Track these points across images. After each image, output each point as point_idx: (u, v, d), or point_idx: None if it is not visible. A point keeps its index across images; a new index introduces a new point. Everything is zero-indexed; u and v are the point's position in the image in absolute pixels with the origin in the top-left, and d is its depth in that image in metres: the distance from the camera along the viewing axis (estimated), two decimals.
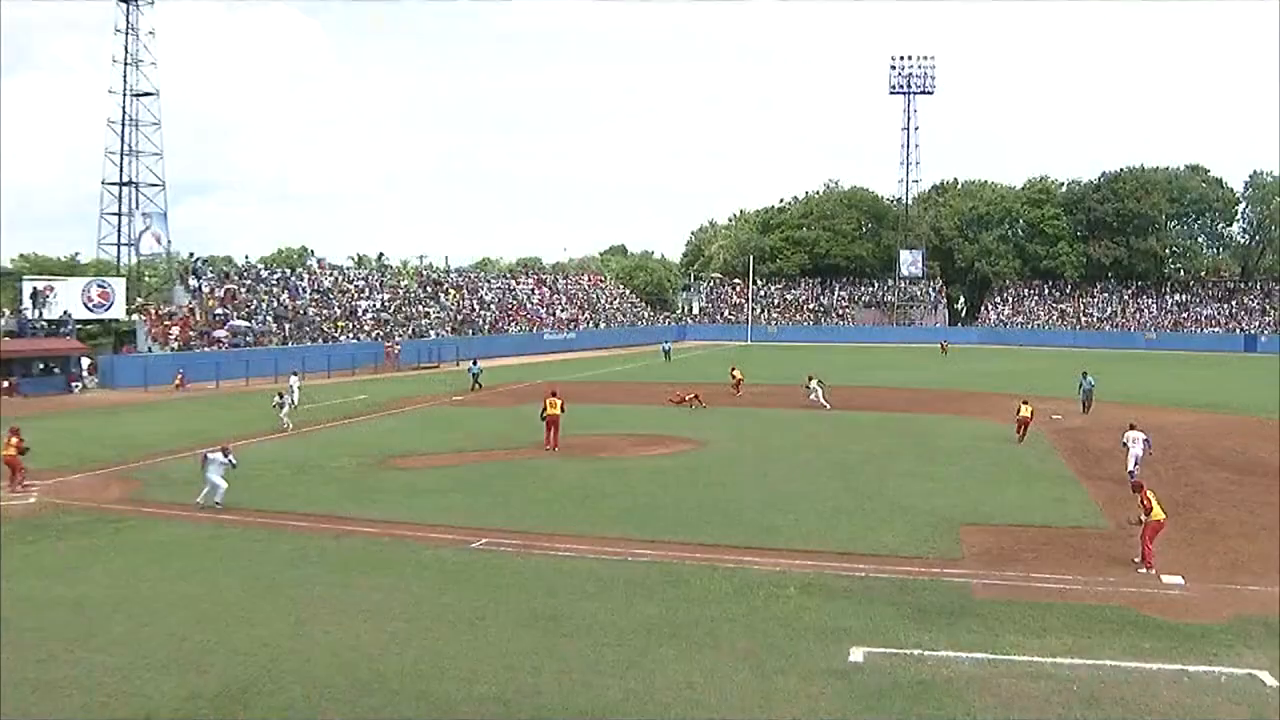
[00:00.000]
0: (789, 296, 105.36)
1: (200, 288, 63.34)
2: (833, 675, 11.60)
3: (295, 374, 42.81)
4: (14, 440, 23.72)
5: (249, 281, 67.78)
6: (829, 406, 38.75)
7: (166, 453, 28.67)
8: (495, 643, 12.81)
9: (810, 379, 40.98)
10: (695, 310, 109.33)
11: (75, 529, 19.45)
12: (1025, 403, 30.87)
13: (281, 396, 31.02)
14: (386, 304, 74.51)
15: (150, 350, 55.46)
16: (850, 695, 11.07)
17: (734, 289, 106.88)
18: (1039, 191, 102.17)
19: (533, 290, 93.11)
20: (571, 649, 12.53)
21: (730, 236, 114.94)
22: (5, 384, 47.43)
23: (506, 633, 13.21)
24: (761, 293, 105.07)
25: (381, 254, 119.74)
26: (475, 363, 51.45)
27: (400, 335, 69.30)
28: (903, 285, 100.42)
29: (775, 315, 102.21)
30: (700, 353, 78.46)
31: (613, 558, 16.91)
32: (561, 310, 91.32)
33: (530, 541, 18.13)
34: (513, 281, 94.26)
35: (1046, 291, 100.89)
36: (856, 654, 12.23)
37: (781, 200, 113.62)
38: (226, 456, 21.31)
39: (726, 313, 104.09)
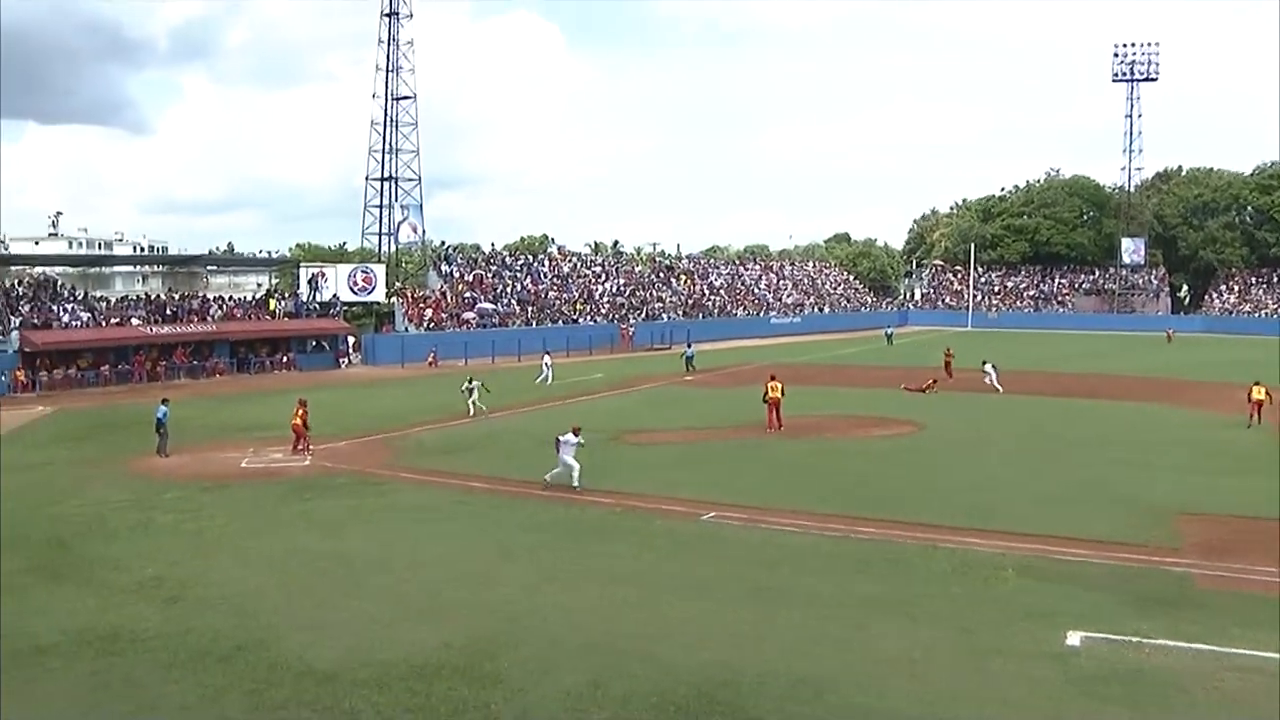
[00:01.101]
0: (1009, 283, 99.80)
1: (451, 273, 66.47)
2: (1049, 658, 11.09)
3: (548, 353, 45.06)
4: (301, 411, 26.00)
5: (495, 267, 70.59)
6: (1000, 390, 37.51)
7: (421, 424, 30.44)
8: (719, 611, 12.71)
9: (984, 363, 39.70)
10: (917, 296, 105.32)
11: (343, 490, 20.91)
12: (1258, 384, 29.25)
13: (471, 381, 31.25)
14: (621, 288, 75.84)
15: (406, 330, 58.60)
16: (1066, 679, 10.55)
17: (955, 276, 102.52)
18: (1269, 177, 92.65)
19: (760, 276, 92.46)
20: (793, 620, 12.33)
21: (952, 224, 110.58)
22: (284, 360, 51.99)
23: (731, 602, 13.09)
24: (982, 279, 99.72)
25: (616, 241, 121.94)
26: (689, 346, 51.73)
27: (634, 318, 70.43)
28: (1124, 273, 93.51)
29: (996, 301, 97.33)
30: (922, 337, 75.07)
31: (834, 534, 16.60)
32: (787, 295, 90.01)
33: (755, 516, 17.97)
34: (741, 268, 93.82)
35: (1277, 280, 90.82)
36: (1073, 638, 11.62)
37: (1002, 189, 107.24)
38: (577, 436, 20.43)
39: (948, 299, 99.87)
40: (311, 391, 34.29)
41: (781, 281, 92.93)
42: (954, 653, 11.23)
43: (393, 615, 12.73)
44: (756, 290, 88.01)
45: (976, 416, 31.63)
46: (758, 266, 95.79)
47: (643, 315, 71.75)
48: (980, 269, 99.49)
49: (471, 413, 31.28)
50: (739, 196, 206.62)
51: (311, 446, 25.60)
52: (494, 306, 63.85)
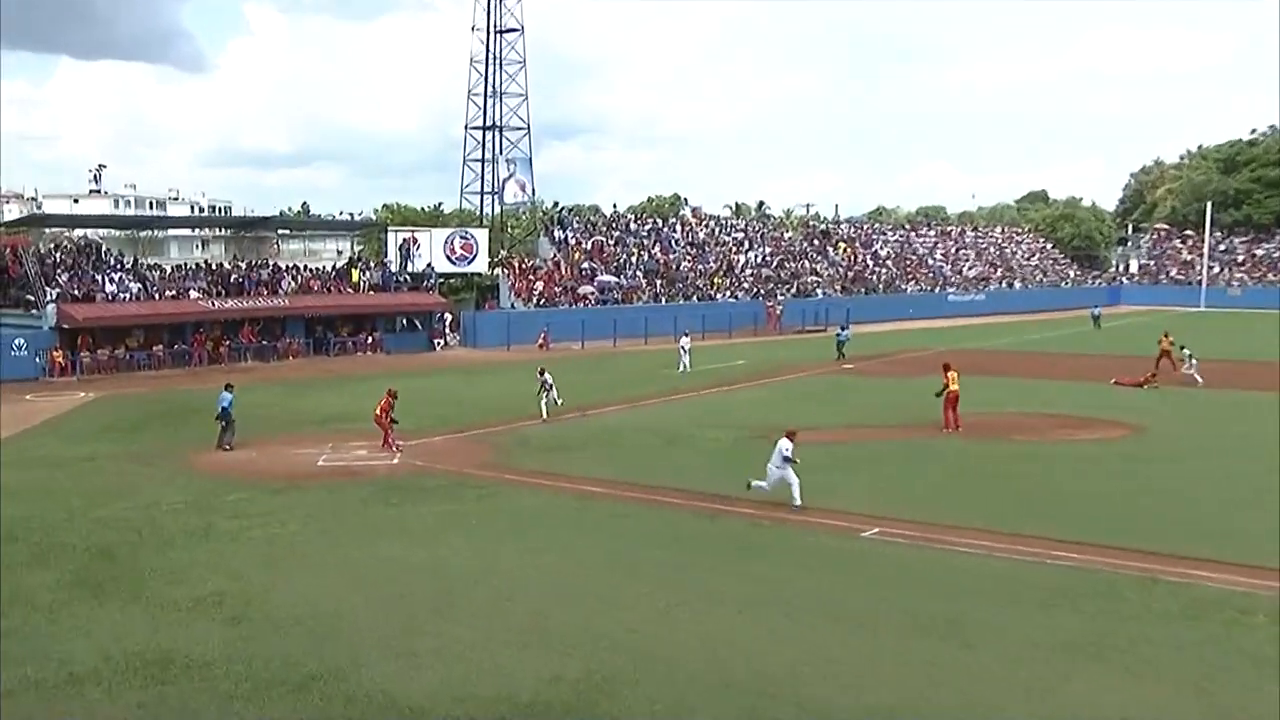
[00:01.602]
0: (1258, 252, 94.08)
1: (566, 239, 67.48)
2: None
3: (686, 334, 45.41)
4: (388, 401, 26.58)
5: (617, 233, 71.59)
6: (1200, 381, 37.21)
7: (530, 417, 30.94)
8: (886, 647, 12.62)
9: (1181, 349, 39.93)
10: (1133, 268, 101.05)
11: (437, 493, 21.41)
12: None
13: (544, 373, 30.97)
14: (768, 258, 75.85)
15: (513, 306, 59.99)
16: None
17: (1185, 243, 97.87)
18: None
19: (934, 244, 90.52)
20: (975, 662, 12.14)
21: (1182, 178, 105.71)
22: (370, 340, 53.63)
23: (898, 637, 12.98)
24: (1221, 247, 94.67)
25: (762, 203, 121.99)
26: (843, 329, 50.98)
27: (783, 294, 70.43)
28: None
29: (1239, 275, 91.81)
30: (1138, 320, 71.93)
31: (1027, 558, 16.14)
32: (968, 267, 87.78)
33: (929, 534, 17.60)
34: (911, 234, 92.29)
35: None
36: None
37: (1254, 132, 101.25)
38: (791, 443, 19.68)
39: (1174, 271, 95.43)
40: (402, 378, 35.27)
41: (962, 251, 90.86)
42: (1185, 715, 10.77)
43: (494, 641, 12.85)
44: (931, 261, 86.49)
45: (1210, 416, 30.61)
46: (933, 233, 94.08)
47: (792, 291, 71.62)
48: (1219, 233, 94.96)
49: (545, 415, 30.29)
50: (912, 148, 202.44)
51: (399, 443, 26.27)
52: (616, 279, 64.61)
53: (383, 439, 26.24)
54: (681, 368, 43.18)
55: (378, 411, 26.48)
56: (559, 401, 30.92)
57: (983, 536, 17.34)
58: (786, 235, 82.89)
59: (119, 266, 49.90)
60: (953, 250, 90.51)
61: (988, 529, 17.78)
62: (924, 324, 68.89)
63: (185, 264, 55.44)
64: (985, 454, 24.83)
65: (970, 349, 49.45)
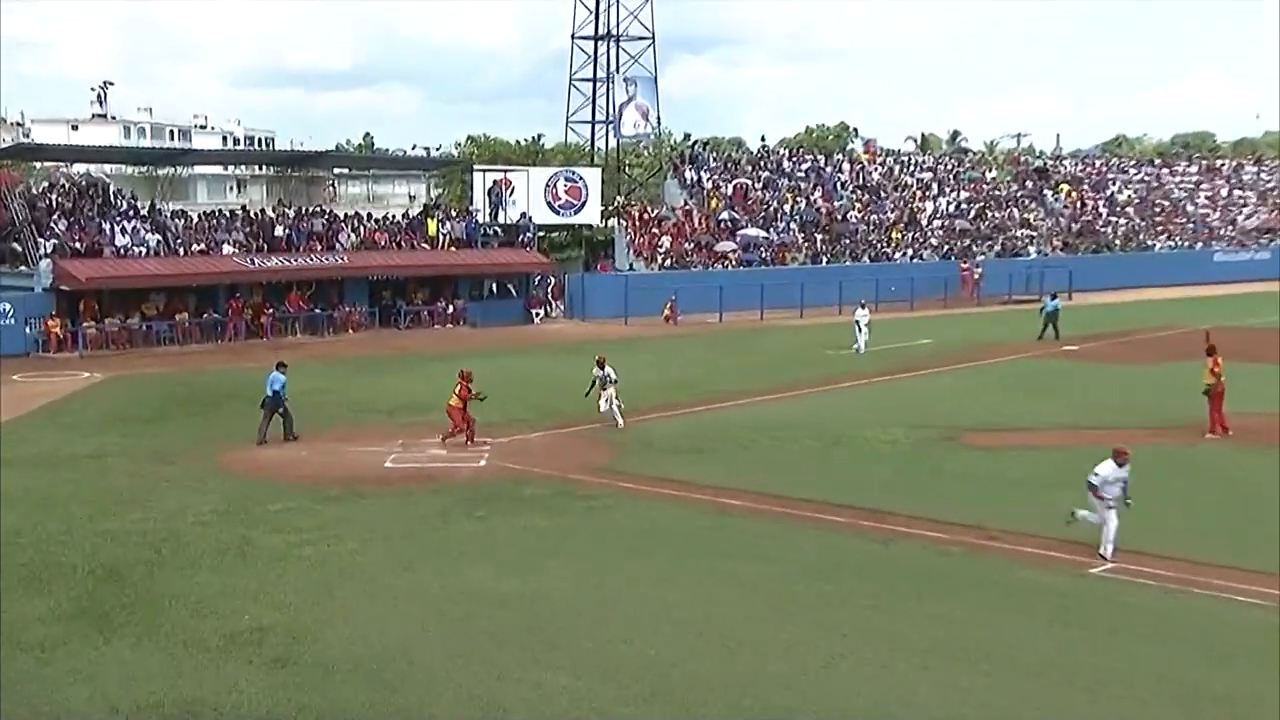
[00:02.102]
0: None
1: (700, 181, 67.72)
2: None
3: (863, 305, 44.81)
4: (462, 388, 27.04)
5: (766, 173, 71.67)
6: None
7: (652, 409, 31.20)
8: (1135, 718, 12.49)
9: None
10: None
11: (533, 504, 21.67)
12: None
13: (603, 365, 29.89)
14: (963, 206, 75.11)
15: (631, 268, 60.52)
16: None
17: None
18: None
19: (1196, 184, 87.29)
20: None
21: None
22: (450, 309, 54.50)
23: (1149, 706, 12.80)
24: None
25: (956, 133, 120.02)
26: (1052, 297, 49.75)
27: (983, 252, 69.68)
28: None
29: None
30: None
31: None
32: (1246, 216, 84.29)
33: (1185, 574, 17.12)
34: (1163, 171, 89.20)
35: None
36: None
37: None
38: (1121, 467, 18.24)
39: None
40: (491, 358, 35.97)
41: (1237, 193, 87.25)
42: None
43: (604, 695, 12.89)
44: (1190, 208, 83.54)
45: None
46: (1194, 169, 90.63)
47: (996, 249, 70.88)
48: None
49: (603, 408, 29.39)
50: (1159, 57, 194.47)
51: (476, 438, 26.76)
52: (765, 234, 64.69)
53: (466, 434, 26.76)
54: (857, 347, 43.09)
55: (453, 401, 26.96)
56: (618, 405, 29.28)
57: (1264, 581, 16.78)
58: (989, 175, 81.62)
59: (132, 213, 50.73)
60: (1223, 192, 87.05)
61: (1267, 571, 17.18)
62: (1180, 292, 66.49)
63: (216, 211, 56.50)
64: (1263, 468, 24.01)
65: (1241, 328, 47.66)
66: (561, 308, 58.37)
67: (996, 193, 78.32)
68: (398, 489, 22.95)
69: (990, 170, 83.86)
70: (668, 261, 60.49)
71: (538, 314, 56.67)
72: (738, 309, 55.45)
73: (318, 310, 51.37)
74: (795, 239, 65.28)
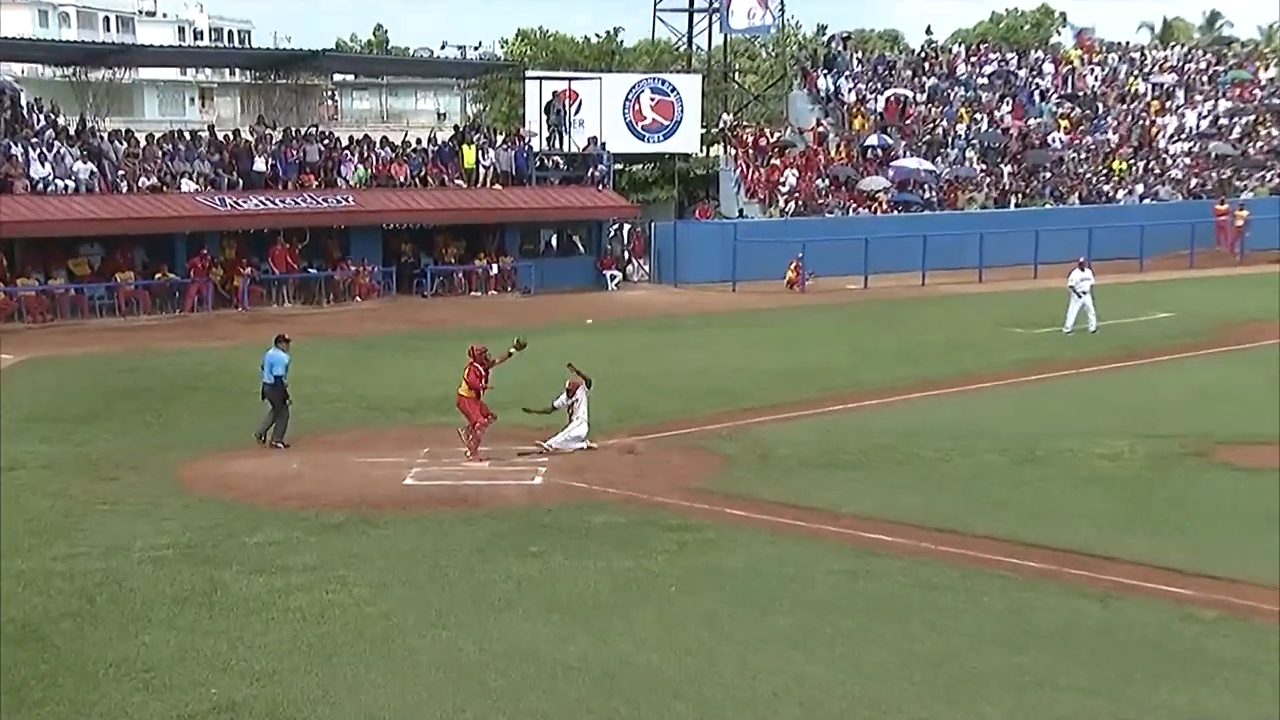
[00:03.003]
0: None
1: (837, 93, 68.34)
2: None
3: (1082, 265, 43.73)
4: (475, 371, 26.99)
5: (932, 80, 72.00)
6: None
7: (769, 409, 31.36)
8: None
9: None
10: None
11: (606, 537, 21.55)
12: None
13: (576, 389, 28.69)
14: (1224, 122, 74.23)
15: (743, 214, 61.20)
16: None
17: None
18: None
19: None
20: None
21: None
22: (494, 270, 55.14)
23: None
24: None
25: (1215, 16, 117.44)
26: None
27: (1251, 188, 69.08)
28: None
29: None
30: None
31: None
32: None
33: None
34: None
35: None
36: None
37: None
38: None
39: None
40: (547, 335, 35.90)
41: None
42: None
43: None
44: None
45: None
46: None
47: (1268, 183, 70.04)
48: None
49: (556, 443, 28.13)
50: None
51: (525, 448, 27.10)
52: (931, 166, 64.80)
53: (471, 439, 26.84)
54: (1072, 322, 42.54)
55: (463, 390, 27.05)
56: (583, 430, 27.97)
57: None
58: (1265, 74, 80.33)
59: (53, 133, 50.90)
60: None
61: None
62: None
63: (173, 132, 56.32)
64: None
65: None
66: (645, 268, 58.86)
67: (1274, 102, 77.25)
68: (422, 515, 22.91)
69: (1265, 69, 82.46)
70: (793, 205, 60.42)
71: (613, 277, 57.01)
72: (890, 270, 55.51)
73: (312, 270, 51.83)
74: (973, 172, 65.05)
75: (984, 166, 65.47)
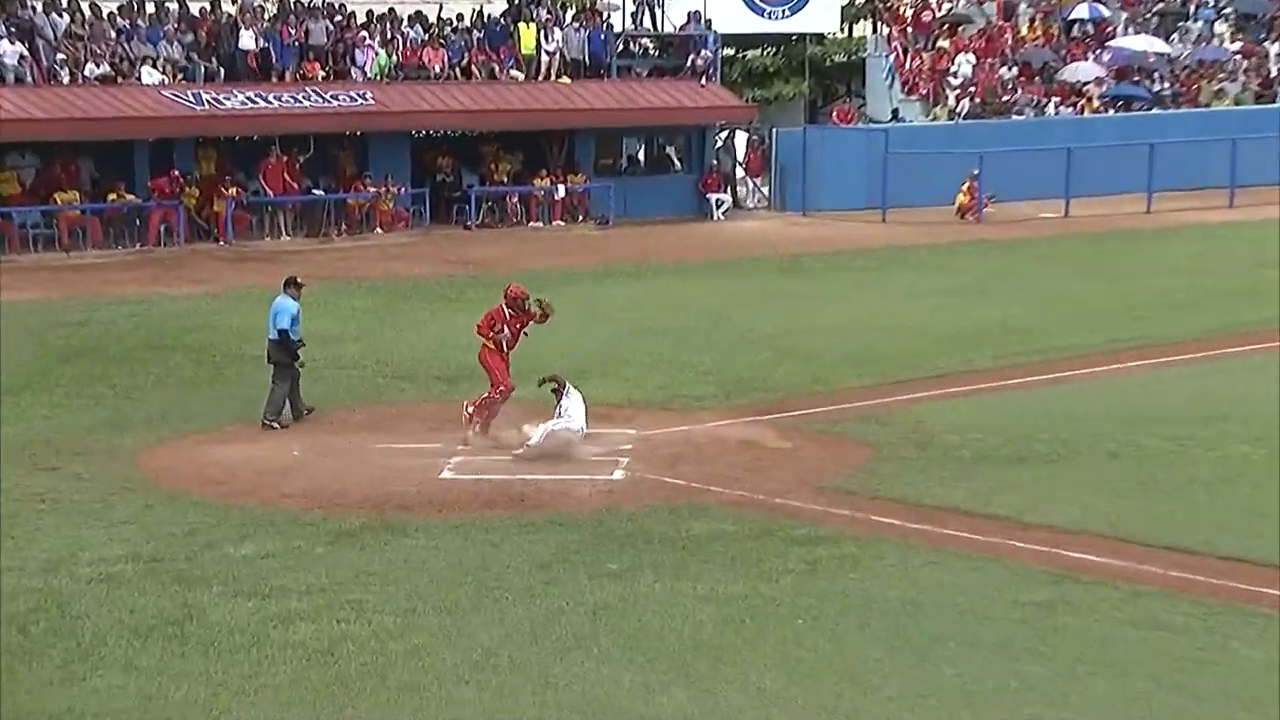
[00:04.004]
0: None
1: None
2: None
3: None
4: (501, 319, 27.29)
5: None
6: None
7: (928, 380, 31.62)
8: None
9: None
10: None
11: (711, 550, 21.56)
12: None
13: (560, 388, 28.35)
14: None
15: (898, 116, 61.57)
16: None
17: None
18: None
19: None
20: None
21: None
22: (560, 192, 55.42)
23: None
24: None
25: None
26: None
27: None
28: None
29: None
30: None
31: None
32: None
33: None
34: None
35: None
36: None
37: None
38: None
39: None
40: (632, 281, 36.39)
41: None
42: None
43: None
44: None
45: None
46: None
47: None
48: None
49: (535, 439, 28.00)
50: None
51: (600, 429, 27.07)
52: (1161, 46, 64.68)
53: (474, 411, 27.15)
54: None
55: (489, 344, 27.38)
56: (573, 426, 27.46)
57: None
58: None
59: None
60: None
61: None
62: None
63: (131, 2, 55.14)
64: None
65: None
66: (764, 191, 58.99)
67: None
68: (464, 519, 22.99)
69: None
70: (967, 104, 60.31)
71: (720, 203, 57.11)
72: (1102, 192, 55.56)
73: (318, 192, 52.34)
74: (1224, 54, 64.72)
75: (1240, 45, 64.60)
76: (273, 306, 28.14)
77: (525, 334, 27.68)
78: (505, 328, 27.28)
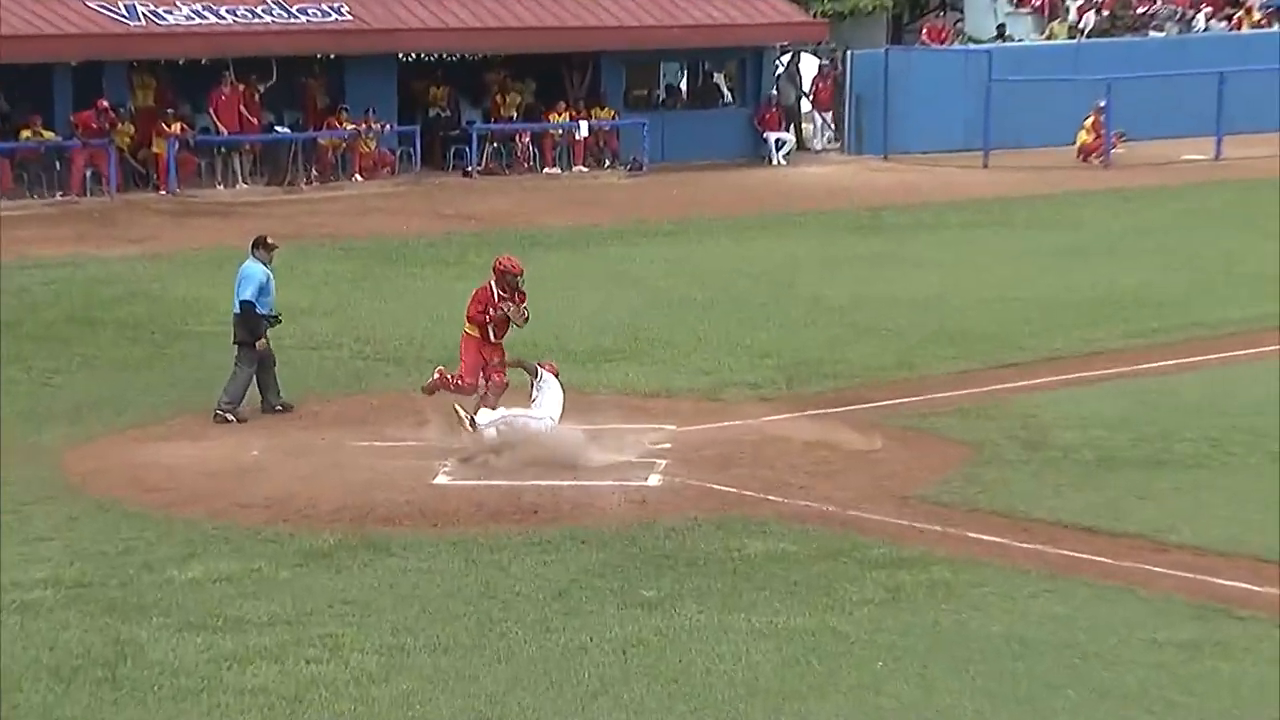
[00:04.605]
0: None
1: None
2: None
3: None
4: (483, 296, 27.71)
5: None
6: None
7: (1049, 365, 31.57)
8: None
9: None
10: None
11: (770, 574, 21.51)
12: None
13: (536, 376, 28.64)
14: None
15: (1003, 34, 61.95)
16: None
17: None
18: None
19: None
20: None
21: None
22: (583, 129, 55.80)
23: None
24: None
25: None
26: None
27: None
28: None
29: None
30: None
31: None
32: None
33: None
34: None
35: None
36: None
37: None
38: None
39: None
40: (670, 240, 36.22)
41: None
42: None
43: None
44: None
45: None
46: None
47: None
48: None
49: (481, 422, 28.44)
50: None
51: (643, 427, 27.29)
52: None
53: (450, 384, 27.52)
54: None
55: (468, 328, 27.86)
56: (537, 414, 27.94)
57: None
58: None
59: None
60: None
61: None
62: None
63: None
64: None
65: None
66: (831, 128, 59.67)
67: None
68: (464, 535, 23.02)
69: None
70: (1091, 19, 60.36)
71: (781, 144, 57.51)
72: (1259, 128, 55.78)
73: (283, 129, 52.67)
74: None
75: None
76: (242, 272, 28.25)
77: (523, 311, 27.76)
78: (493, 311, 27.51)
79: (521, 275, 27.74)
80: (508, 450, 26.21)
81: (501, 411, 26.72)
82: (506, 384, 27.45)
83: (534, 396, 27.11)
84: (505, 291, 27.62)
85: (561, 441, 26.37)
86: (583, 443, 26.46)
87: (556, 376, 27.14)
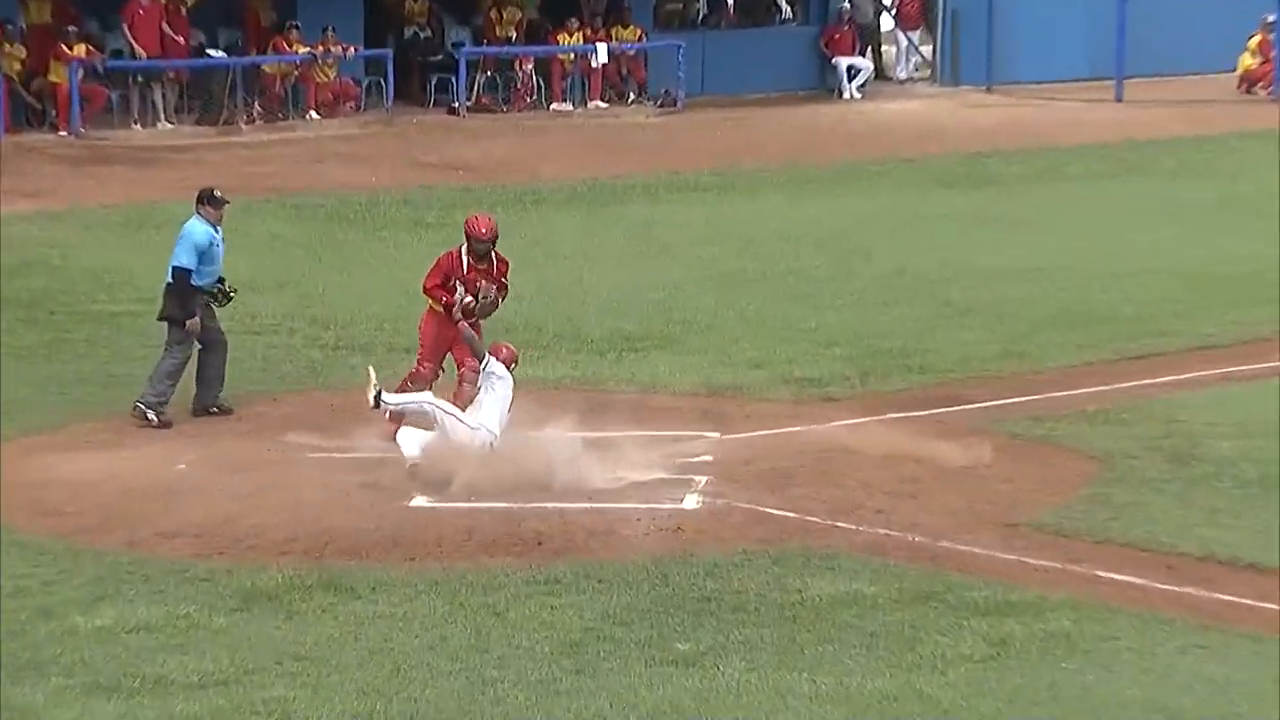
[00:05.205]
0: None
1: None
2: None
3: None
4: (446, 264, 27.70)
5: None
6: None
7: (1198, 355, 31.62)
8: None
9: None
10: None
11: (839, 622, 21.57)
12: None
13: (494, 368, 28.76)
14: None
15: None
16: None
17: None
18: None
19: None
20: None
21: None
22: (600, 55, 55.98)
23: None
24: None
25: None
26: None
27: None
28: None
29: None
30: None
31: None
32: None
33: None
34: None
35: None
36: None
37: None
38: None
39: None
40: (710, 196, 36.27)
41: None
42: None
43: None
44: None
45: None
46: None
47: None
48: None
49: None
50: None
51: (661, 430, 27.47)
52: None
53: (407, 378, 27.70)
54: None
55: (433, 304, 27.75)
56: (471, 424, 28.09)
57: None
58: None
59: None
60: None
61: None
62: None
63: None
64: None
65: None
66: (926, 54, 60.17)
67: None
68: (449, 571, 23.16)
69: None
70: None
71: (855, 71, 58.14)
72: None
73: (216, 54, 52.99)
74: None
75: None
76: (184, 231, 28.39)
77: (484, 296, 27.54)
78: (462, 286, 27.45)
79: (493, 241, 27.68)
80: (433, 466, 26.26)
81: (413, 398, 26.91)
82: (433, 377, 27.64)
83: (477, 393, 27.13)
84: (477, 261, 27.62)
85: (540, 453, 26.35)
86: (574, 456, 26.40)
87: (510, 368, 26.96)
